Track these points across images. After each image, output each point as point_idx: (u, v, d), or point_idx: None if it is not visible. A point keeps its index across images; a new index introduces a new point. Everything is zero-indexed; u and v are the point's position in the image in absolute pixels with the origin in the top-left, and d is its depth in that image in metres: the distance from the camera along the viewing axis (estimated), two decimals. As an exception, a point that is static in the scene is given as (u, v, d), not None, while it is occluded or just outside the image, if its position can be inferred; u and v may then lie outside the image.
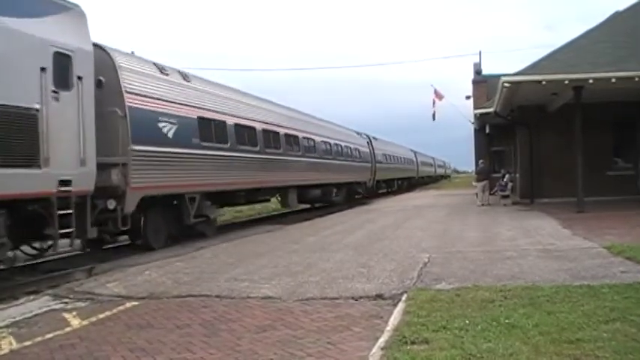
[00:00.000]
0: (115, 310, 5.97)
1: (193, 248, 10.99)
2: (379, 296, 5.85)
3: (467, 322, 4.54)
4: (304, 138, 20.44)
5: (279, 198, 19.52)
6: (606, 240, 8.78)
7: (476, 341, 4.05)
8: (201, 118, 13.29)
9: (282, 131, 18.10)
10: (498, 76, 15.45)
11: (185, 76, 13.50)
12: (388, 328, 4.59)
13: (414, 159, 50.17)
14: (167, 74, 12.63)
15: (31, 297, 7.31)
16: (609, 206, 15.01)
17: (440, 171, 77.15)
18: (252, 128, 16.05)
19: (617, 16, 18.28)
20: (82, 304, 6.46)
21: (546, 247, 8.57)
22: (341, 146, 25.45)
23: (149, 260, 9.60)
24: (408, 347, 4.03)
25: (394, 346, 4.05)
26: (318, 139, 22.10)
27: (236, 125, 14.97)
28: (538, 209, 15.64)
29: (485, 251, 8.44)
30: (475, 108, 25.38)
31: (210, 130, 13.70)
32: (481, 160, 21.61)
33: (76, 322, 5.59)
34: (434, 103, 33.22)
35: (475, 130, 27.96)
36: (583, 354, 3.72)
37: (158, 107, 11.75)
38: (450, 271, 6.95)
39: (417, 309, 5.05)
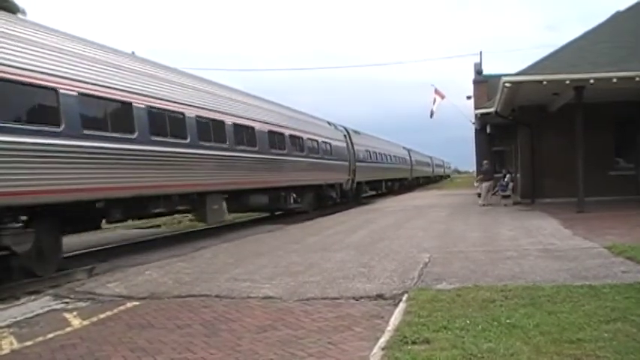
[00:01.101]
0: (115, 310, 5.97)
1: (193, 248, 11.00)
2: (380, 296, 5.85)
3: (468, 322, 4.54)
4: (236, 125, 15.25)
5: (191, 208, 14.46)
6: (607, 240, 8.76)
7: (477, 341, 4.05)
8: None
9: (190, 113, 12.98)
10: (499, 76, 15.43)
11: None
12: (389, 328, 4.59)
13: (408, 157, 45.65)
14: None
15: (32, 297, 7.33)
16: (610, 206, 14.99)
17: (438, 171, 72.20)
18: (127, 105, 10.76)
19: (618, 16, 18.26)
20: (83, 304, 6.47)
21: (547, 247, 8.56)
22: (302, 139, 20.32)
23: (149, 260, 9.62)
24: (409, 347, 4.03)
25: (395, 346, 4.05)
26: (261, 127, 16.91)
27: (83, 97, 9.64)
28: (539, 209, 15.63)
29: (487, 251, 8.43)
30: (476, 108, 25.37)
31: (16, 102, 8.57)
32: (485, 161, 21.56)
33: (76, 322, 5.59)
34: (434, 101, 33.02)
35: (476, 130, 27.93)
36: (584, 354, 3.72)
37: None
38: (450, 271, 6.95)
39: (417, 309, 5.05)
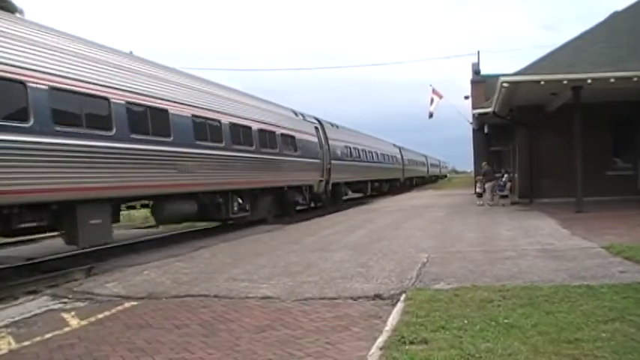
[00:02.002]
0: (113, 310, 5.97)
1: (192, 248, 10.99)
2: (378, 296, 5.85)
3: (466, 322, 4.55)
4: (132, 105, 11.13)
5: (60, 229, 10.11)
6: (605, 240, 8.78)
7: (475, 341, 4.06)
8: None
9: (36, 84, 8.92)
10: (497, 76, 15.45)
11: None
12: (387, 328, 4.60)
13: (399, 156, 41.85)
14: None
15: (30, 297, 7.32)
16: (608, 206, 15.01)
17: (434, 171, 68.59)
18: None
19: (615, 16, 18.30)
20: (81, 304, 6.46)
21: (545, 247, 8.58)
22: (250, 129, 16.02)
23: (148, 260, 9.60)
24: (407, 347, 4.03)
25: (393, 346, 4.05)
26: (180, 111, 12.73)
27: None
28: (537, 209, 15.65)
29: (485, 251, 8.44)
30: (474, 108, 25.37)
31: None
32: (484, 162, 21.65)
33: (74, 322, 5.58)
34: (432, 101, 32.95)
35: (474, 130, 27.93)
36: (582, 354, 3.73)
37: None
38: (448, 271, 6.96)
39: (415, 309, 5.05)
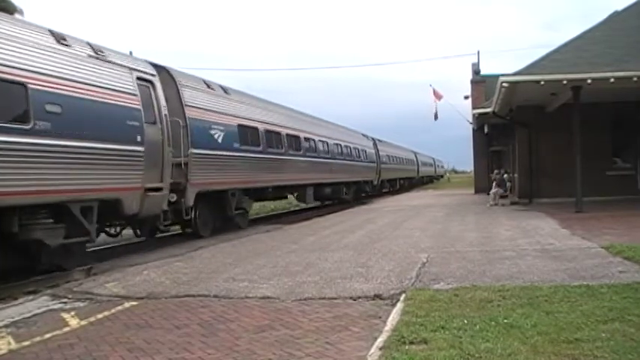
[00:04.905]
0: (113, 310, 5.96)
1: (191, 248, 10.99)
2: (378, 296, 5.85)
3: (465, 322, 4.54)
4: None
5: None
6: (605, 240, 8.78)
7: (474, 341, 4.05)
8: None
9: None
10: (497, 76, 15.46)
11: None
12: (387, 328, 4.59)
13: (373, 151, 32.23)
14: None
15: (30, 297, 7.29)
16: (608, 206, 15.02)
17: (426, 170, 59.09)
18: None
19: (615, 16, 18.31)
20: (81, 304, 6.46)
21: (545, 247, 8.58)
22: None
23: (147, 260, 9.59)
24: (407, 347, 4.03)
25: (393, 346, 4.05)
26: None
27: None
28: (537, 209, 15.65)
29: (484, 251, 8.44)
30: (474, 108, 25.43)
31: None
32: (503, 171, 21.92)
33: (74, 322, 5.58)
34: (435, 102, 33.01)
35: (474, 130, 27.98)
36: (581, 354, 3.72)
37: None
38: (448, 271, 6.96)
39: (415, 309, 5.05)
